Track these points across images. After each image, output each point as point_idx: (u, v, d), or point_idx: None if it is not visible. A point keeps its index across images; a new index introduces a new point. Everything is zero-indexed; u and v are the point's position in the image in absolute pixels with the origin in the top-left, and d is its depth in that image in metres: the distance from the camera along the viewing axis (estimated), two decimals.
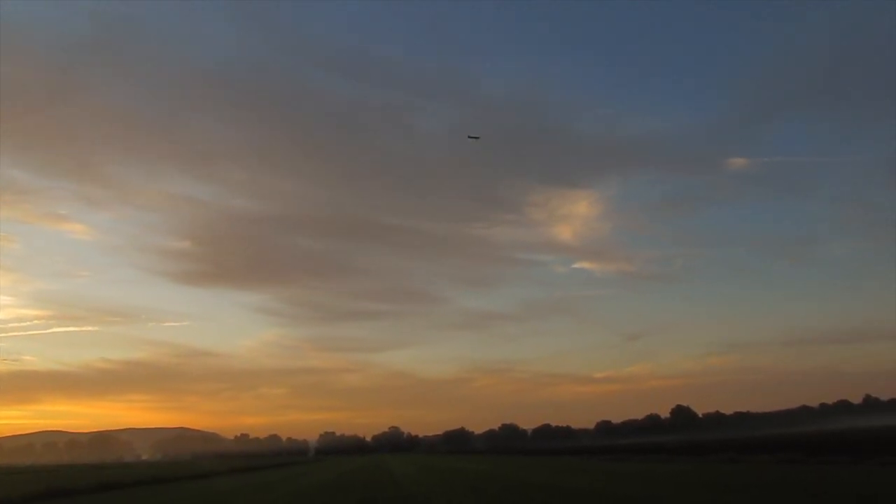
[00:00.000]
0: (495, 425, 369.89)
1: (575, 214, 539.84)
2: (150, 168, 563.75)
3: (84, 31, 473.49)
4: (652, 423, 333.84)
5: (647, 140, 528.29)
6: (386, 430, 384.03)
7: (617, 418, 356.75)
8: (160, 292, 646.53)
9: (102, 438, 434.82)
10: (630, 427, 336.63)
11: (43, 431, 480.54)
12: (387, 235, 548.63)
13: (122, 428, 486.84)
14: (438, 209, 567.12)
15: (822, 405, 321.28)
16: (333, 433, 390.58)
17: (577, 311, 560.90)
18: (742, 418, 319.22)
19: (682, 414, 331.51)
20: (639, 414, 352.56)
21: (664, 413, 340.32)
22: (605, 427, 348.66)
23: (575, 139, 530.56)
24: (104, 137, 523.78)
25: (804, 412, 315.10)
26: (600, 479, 45.52)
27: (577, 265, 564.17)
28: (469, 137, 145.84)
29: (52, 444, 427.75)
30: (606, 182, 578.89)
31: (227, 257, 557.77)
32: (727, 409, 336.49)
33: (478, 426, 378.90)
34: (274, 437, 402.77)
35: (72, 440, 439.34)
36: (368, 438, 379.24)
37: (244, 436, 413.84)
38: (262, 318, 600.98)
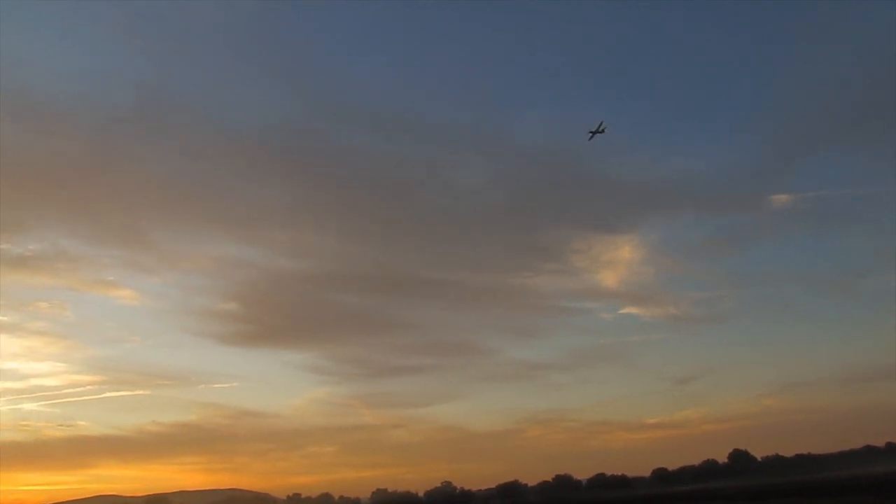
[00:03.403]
0: (548, 476, 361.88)
1: (618, 260, 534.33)
2: (194, 232, 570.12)
3: (128, 101, 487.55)
4: (709, 468, 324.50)
5: (687, 181, 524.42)
6: (438, 485, 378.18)
7: (673, 465, 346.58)
8: (209, 354, 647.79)
9: (156, 501, 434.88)
10: (687, 473, 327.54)
11: (98, 496, 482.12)
12: (430, 289, 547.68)
13: (174, 490, 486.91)
14: (480, 261, 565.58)
15: (889, 444, 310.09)
16: (386, 490, 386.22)
17: (626, 357, 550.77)
18: (803, 461, 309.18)
19: (739, 458, 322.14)
20: (695, 459, 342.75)
21: (721, 458, 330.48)
22: (661, 474, 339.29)
23: (614, 184, 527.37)
24: (149, 204, 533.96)
25: (869, 452, 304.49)
26: None
27: (623, 311, 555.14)
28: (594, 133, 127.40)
29: None
30: (648, 225, 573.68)
31: (273, 317, 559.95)
32: (787, 452, 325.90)
33: (531, 478, 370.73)
34: (326, 496, 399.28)
35: (126, 503, 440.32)
36: (421, 494, 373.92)
37: (296, 495, 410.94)
38: (309, 377, 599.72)
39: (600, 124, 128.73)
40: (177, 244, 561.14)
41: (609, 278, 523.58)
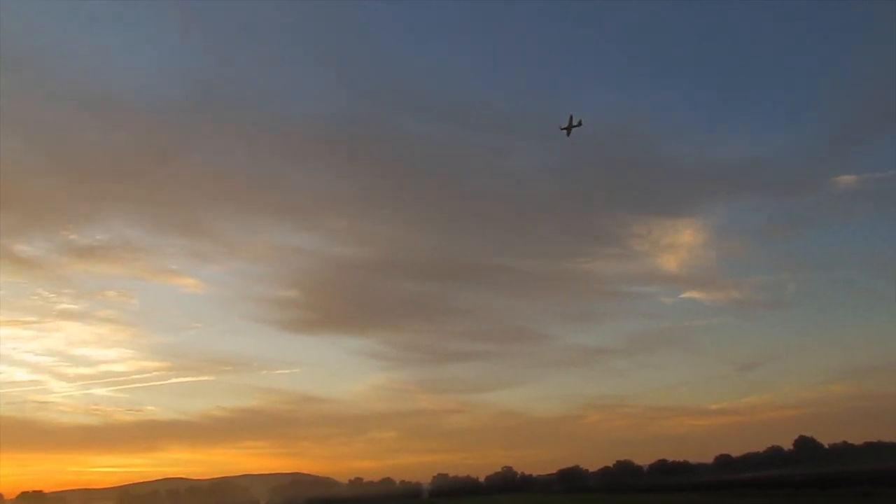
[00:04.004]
0: (609, 462, 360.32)
1: (679, 243, 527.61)
2: (254, 221, 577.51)
3: (188, 93, 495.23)
4: (774, 455, 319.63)
5: (748, 163, 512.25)
6: (499, 469, 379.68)
7: (736, 451, 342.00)
8: (270, 341, 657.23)
9: (222, 485, 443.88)
10: (751, 460, 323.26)
11: (166, 478, 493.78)
12: (489, 275, 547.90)
13: (239, 474, 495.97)
14: (538, 246, 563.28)
15: None
16: (446, 475, 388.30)
17: (687, 342, 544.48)
18: (873, 448, 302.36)
19: (806, 445, 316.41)
20: (759, 446, 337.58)
21: (786, 445, 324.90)
22: (724, 461, 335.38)
23: (673, 167, 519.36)
24: (210, 194, 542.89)
25: None
26: None
27: (684, 295, 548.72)
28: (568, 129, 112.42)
29: (175, 491, 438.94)
30: (709, 209, 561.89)
31: (332, 304, 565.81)
32: (855, 439, 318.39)
33: (591, 464, 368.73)
34: (387, 481, 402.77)
35: (193, 487, 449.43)
36: (482, 479, 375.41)
37: (358, 479, 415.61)
38: (369, 363, 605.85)
39: (571, 118, 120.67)
40: (237, 233, 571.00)
41: (670, 262, 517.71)
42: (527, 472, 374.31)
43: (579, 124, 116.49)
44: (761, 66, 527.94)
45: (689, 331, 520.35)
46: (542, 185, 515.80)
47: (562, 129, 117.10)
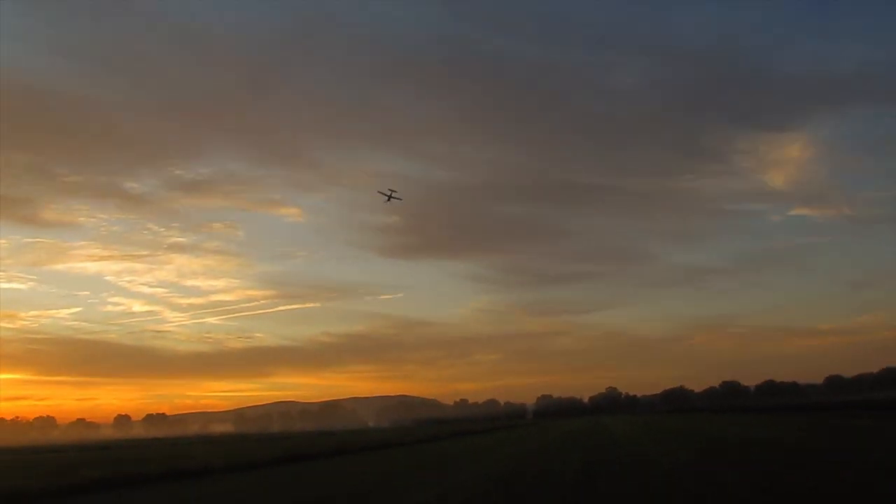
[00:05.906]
0: (715, 383, 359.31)
1: (786, 159, 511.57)
2: (353, 149, 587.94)
3: (281, 25, 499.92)
4: (890, 375, 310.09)
5: (860, 73, 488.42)
6: (603, 390, 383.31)
7: (848, 372, 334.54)
8: (373, 267, 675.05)
9: (331, 407, 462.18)
10: (864, 381, 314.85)
11: (278, 402, 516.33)
12: (590, 195, 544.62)
13: (347, 397, 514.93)
14: (641, 165, 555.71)
15: None
16: (550, 396, 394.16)
17: (796, 260, 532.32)
18: None
19: None
20: (873, 367, 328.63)
21: None
22: (835, 382, 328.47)
23: (779, 80, 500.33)
24: (309, 124, 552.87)
25: None
26: (831, 436, 42.99)
27: (792, 212, 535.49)
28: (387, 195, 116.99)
29: (287, 413, 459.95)
30: (818, 122, 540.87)
31: (434, 229, 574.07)
32: None
33: (697, 384, 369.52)
34: (492, 402, 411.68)
35: (303, 409, 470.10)
36: (585, 400, 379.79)
37: (463, 401, 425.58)
38: (472, 286, 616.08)
39: (380, 192, 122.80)
40: (337, 161, 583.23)
41: (777, 178, 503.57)
42: (631, 393, 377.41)
43: (391, 194, 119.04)
44: None
45: (798, 249, 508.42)
46: (644, 102, 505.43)
47: (387, 201, 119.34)
